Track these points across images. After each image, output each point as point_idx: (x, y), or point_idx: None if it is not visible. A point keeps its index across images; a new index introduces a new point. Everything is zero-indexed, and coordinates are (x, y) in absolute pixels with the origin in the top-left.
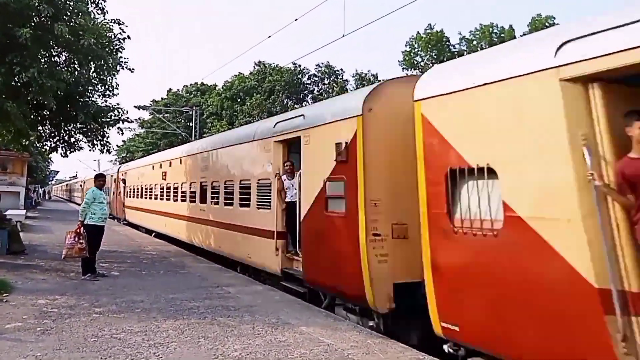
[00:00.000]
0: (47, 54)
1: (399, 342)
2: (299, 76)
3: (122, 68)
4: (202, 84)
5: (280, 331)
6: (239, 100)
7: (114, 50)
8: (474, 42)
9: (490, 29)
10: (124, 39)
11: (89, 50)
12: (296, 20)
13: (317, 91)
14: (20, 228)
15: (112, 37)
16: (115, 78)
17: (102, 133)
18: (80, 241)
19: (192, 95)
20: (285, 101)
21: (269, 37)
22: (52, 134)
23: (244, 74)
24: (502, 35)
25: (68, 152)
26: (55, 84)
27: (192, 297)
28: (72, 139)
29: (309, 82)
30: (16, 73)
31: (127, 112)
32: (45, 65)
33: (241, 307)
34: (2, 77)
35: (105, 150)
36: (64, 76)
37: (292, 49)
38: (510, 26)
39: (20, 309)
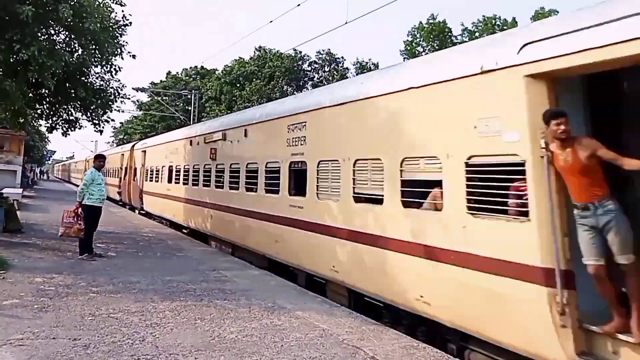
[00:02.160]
0: (46, 33)
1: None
2: (300, 63)
3: (121, 54)
4: (202, 67)
5: (276, 315)
6: (238, 85)
7: (117, 35)
8: (476, 34)
9: (493, 21)
10: (125, 25)
11: (92, 34)
12: (298, 5)
13: (318, 78)
14: (17, 207)
15: (115, 22)
16: (116, 60)
17: (103, 109)
18: (79, 222)
19: (191, 79)
20: (285, 87)
21: (271, 22)
22: (51, 113)
23: (244, 59)
24: (505, 27)
25: (68, 131)
26: (55, 64)
27: (189, 279)
28: (72, 118)
29: (309, 69)
30: (16, 51)
31: (125, 86)
32: (45, 44)
33: (238, 291)
34: (2, 54)
35: (103, 125)
36: (65, 57)
37: (294, 35)
38: (514, 18)
39: (17, 287)
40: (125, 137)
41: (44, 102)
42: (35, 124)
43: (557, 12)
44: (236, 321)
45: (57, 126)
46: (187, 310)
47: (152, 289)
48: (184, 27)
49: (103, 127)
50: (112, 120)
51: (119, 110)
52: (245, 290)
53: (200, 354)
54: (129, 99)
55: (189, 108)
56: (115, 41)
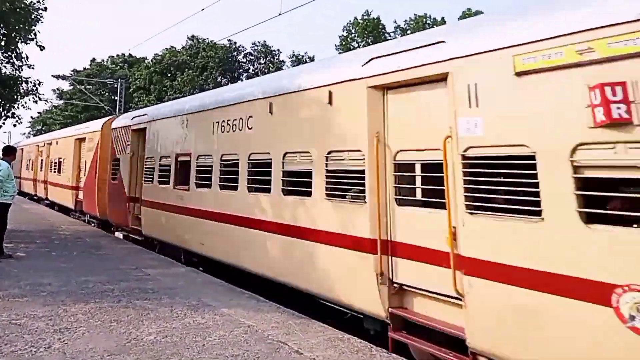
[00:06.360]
0: None
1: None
2: (234, 54)
3: (34, 40)
4: (130, 55)
5: (200, 313)
6: (169, 75)
7: (30, 20)
8: (408, 32)
9: (424, 20)
10: (39, 9)
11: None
12: None
13: (253, 70)
14: None
15: (29, 3)
16: (23, 45)
17: (9, 105)
18: None
19: (118, 67)
20: (219, 79)
21: (203, 9)
22: None
23: (175, 48)
24: (434, 25)
25: None
26: None
27: (107, 279)
28: None
29: (244, 60)
30: None
31: (40, 83)
32: None
33: (160, 290)
34: None
35: (3, 122)
36: None
37: (228, 25)
38: (442, 18)
39: None
40: (43, 128)
41: None
42: None
43: (482, 13)
44: (156, 322)
45: None
46: (102, 312)
47: (64, 290)
48: (111, 10)
49: (3, 124)
50: (20, 118)
51: (25, 106)
52: (169, 288)
53: (113, 358)
54: (40, 100)
55: (116, 98)
56: (27, 27)
